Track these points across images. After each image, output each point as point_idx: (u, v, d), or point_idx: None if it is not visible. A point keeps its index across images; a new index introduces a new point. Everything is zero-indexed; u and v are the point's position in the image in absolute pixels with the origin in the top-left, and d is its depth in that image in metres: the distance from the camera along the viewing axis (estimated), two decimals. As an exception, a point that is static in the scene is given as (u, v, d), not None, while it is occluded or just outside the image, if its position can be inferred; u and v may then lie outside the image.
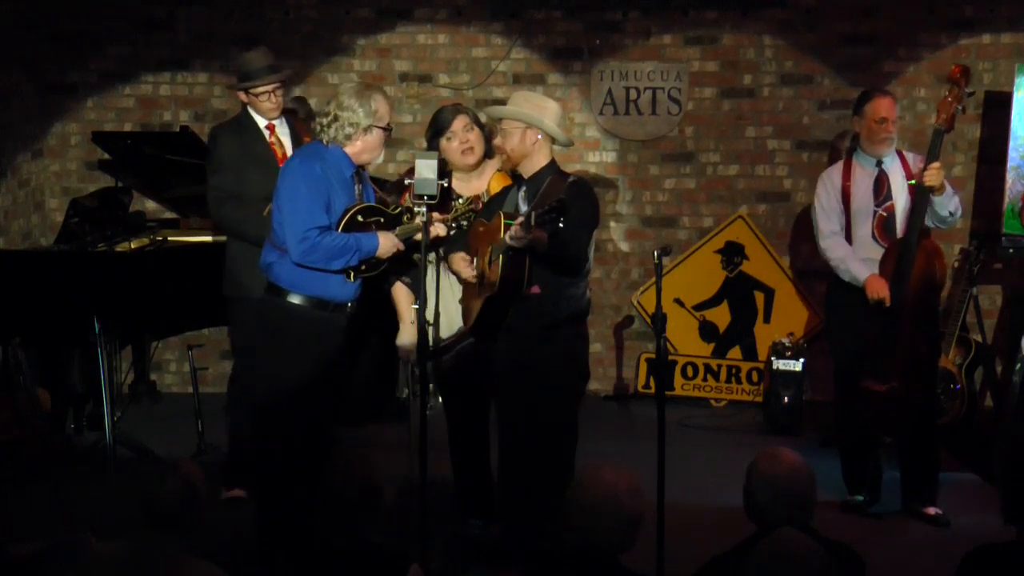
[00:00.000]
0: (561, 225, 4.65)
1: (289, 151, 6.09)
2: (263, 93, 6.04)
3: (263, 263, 5.26)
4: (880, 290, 5.83)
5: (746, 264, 8.11)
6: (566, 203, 4.67)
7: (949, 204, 5.91)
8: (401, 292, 5.60)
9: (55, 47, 8.24)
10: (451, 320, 5.41)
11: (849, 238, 6.04)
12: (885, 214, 6.00)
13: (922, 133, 7.83)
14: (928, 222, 5.95)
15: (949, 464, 6.39)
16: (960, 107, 5.88)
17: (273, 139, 6.12)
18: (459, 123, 5.53)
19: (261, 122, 6.12)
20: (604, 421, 7.52)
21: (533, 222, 4.69)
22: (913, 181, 5.89)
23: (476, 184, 5.61)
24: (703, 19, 8.07)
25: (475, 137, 5.55)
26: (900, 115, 6.12)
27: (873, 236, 5.99)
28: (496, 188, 5.49)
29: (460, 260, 5.22)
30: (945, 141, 5.93)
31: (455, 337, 5.43)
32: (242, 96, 6.12)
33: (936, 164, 5.79)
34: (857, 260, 5.95)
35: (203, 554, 3.53)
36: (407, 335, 5.55)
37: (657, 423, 4.79)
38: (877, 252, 5.95)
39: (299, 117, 6.90)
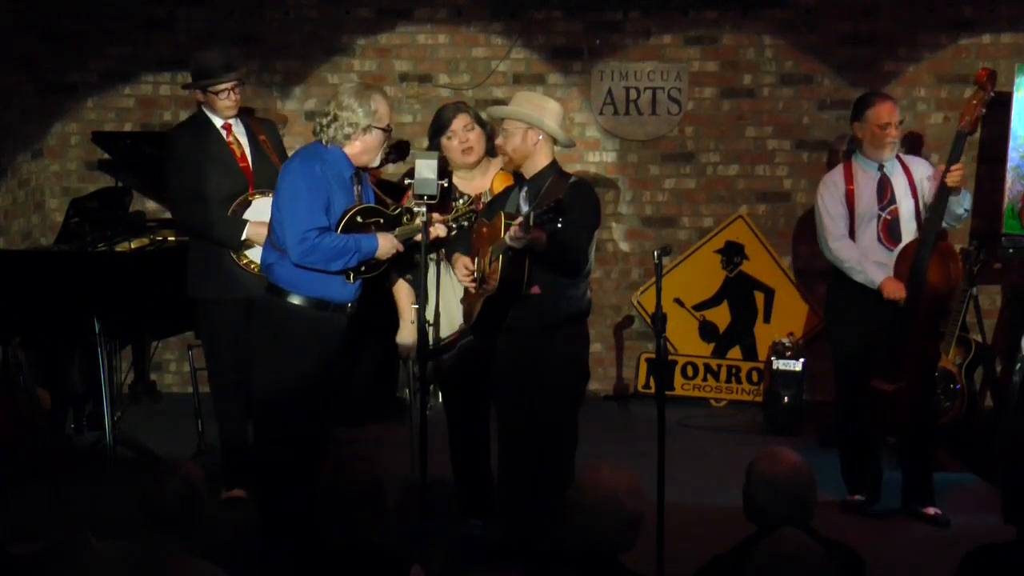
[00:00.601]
0: (559, 225, 4.65)
1: (247, 151, 6.08)
2: (222, 91, 6.02)
3: (263, 263, 5.26)
4: (898, 291, 5.82)
5: (746, 264, 8.11)
6: (565, 203, 4.68)
7: (965, 201, 5.94)
8: (403, 290, 5.59)
9: (55, 47, 8.24)
10: (452, 318, 5.41)
11: (853, 241, 6.03)
12: (890, 217, 5.99)
13: (923, 133, 7.85)
14: (943, 222, 5.95)
15: (949, 464, 6.39)
16: (983, 110, 5.89)
17: (231, 139, 6.10)
18: (460, 122, 5.53)
19: (218, 122, 6.10)
20: (604, 421, 7.51)
21: (532, 222, 4.69)
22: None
23: (479, 183, 5.60)
24: (703, 19, 8.07)
25: (475, 136, 5.54)
26: (900, 116, 6.12)
27: (879, 239, 5.98)
28: (499, 188, 5.49)
29: (462, 266, 5.22)
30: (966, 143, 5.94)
31: (456, 334, 5.43)
32: (199, 96, 6.11)
33: (959, 166, 5.79)
34: (871, 263, 5.94)
35: (203, 554, 3.53)
36: (407, 333, 5.55)
37: (657, 423, 4.79)
38: (883, 255, 5.95)
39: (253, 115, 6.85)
